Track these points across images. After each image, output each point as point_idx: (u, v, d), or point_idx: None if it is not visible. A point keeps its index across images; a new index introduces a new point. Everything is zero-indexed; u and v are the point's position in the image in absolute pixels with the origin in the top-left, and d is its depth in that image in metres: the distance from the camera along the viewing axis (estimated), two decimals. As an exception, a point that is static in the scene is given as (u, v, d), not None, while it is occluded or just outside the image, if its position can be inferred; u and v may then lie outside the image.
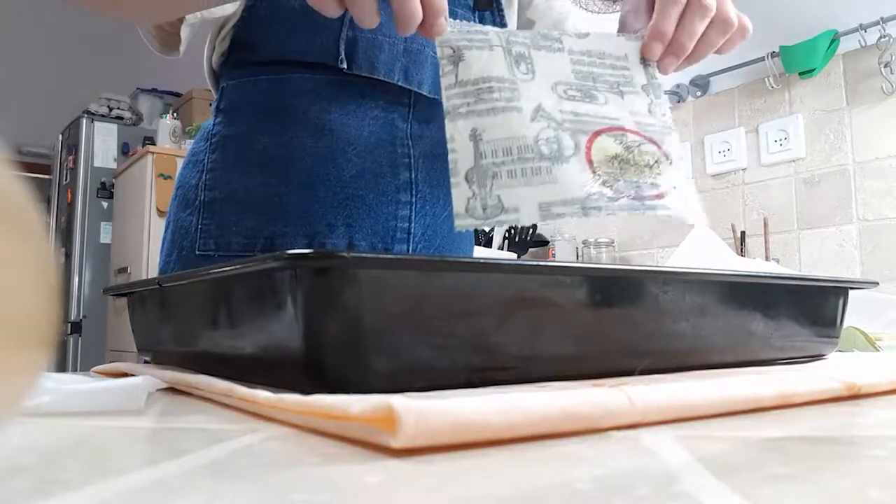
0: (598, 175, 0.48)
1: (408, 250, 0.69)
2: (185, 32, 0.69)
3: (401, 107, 0.69)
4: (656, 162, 0.49)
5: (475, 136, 0.48)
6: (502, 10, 0.74)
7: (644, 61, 0.53)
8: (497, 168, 0.47)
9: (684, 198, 0.50)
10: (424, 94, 0.69)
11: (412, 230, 0.69)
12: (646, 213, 0.47)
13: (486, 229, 0.54)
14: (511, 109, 0.48)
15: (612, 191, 0.47)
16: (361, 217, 0.67)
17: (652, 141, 0.50)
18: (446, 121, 0.49)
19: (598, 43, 0.53)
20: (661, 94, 0.53)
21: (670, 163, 0.50)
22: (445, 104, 0.49)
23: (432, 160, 0.71)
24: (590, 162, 0.48)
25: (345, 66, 0.66)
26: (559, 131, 0.48)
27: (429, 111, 0.70)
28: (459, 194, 0.47)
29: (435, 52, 0.68)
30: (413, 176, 0.69)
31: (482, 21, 0.73)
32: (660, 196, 0.48)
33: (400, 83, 0.67)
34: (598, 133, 0.49)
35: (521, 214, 0.46)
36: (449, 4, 0.70)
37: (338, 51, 0.66)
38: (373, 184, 0.67)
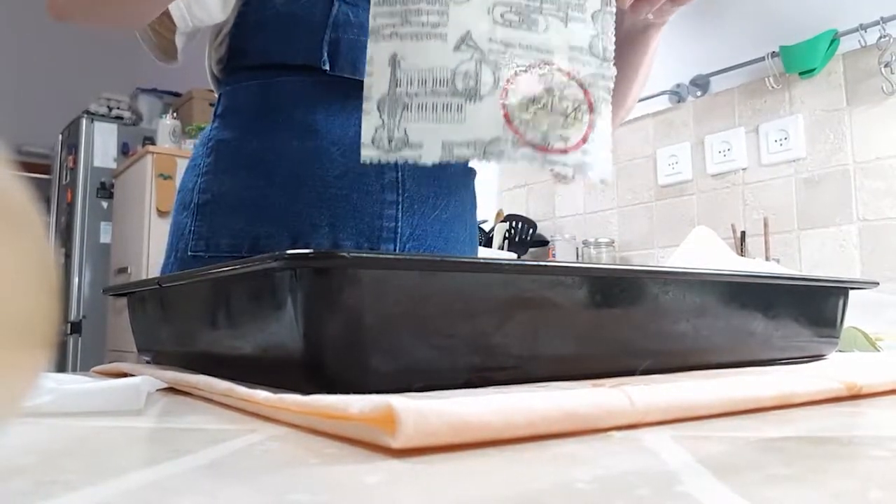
0: (510, 119, 0.46)
1: (395, 250, 0.69)
2: (179, 41, 0.71)
3: None
4: (575, 110, 0.47)
5: (394, 62, 0.47)
6: None
7: None
8: (409, 99, 0.46)
9: (595, 151, 0.48)
10: None
11: (399, 230, 0.70)
12: (544, 165, 0.46)
13: (399, 166, 0.52)
14: (435, 37, 0.47)
15: (518, 137, 0.46)
16: (346, 217, 0.67)
17: (580, 84, 0.48)
18: (369, 41, 0.47)
19: None
20: (609, 28, 0.50)
21: (593, 111, 0.48)
22: (371, 22, 0.47)
23: None
24: (503, 105, 0.46)
25: (328, 67, 0.67)
26: (482, 63, 0.47)
27: None
28: (369, 123, 0.46)
29: None
30: (399, 175, 0.69)
31: None
32: (564, 151, 0.47)
33: None
34: (524, 70, 0.47)
35: (424, 151, 0.46)
36: None
37: (321, 53, 0.67)
38: (357, 183, 0.68)
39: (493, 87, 0.47)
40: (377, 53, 0.47)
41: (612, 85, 0.49)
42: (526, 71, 0.47)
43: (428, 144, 0.46)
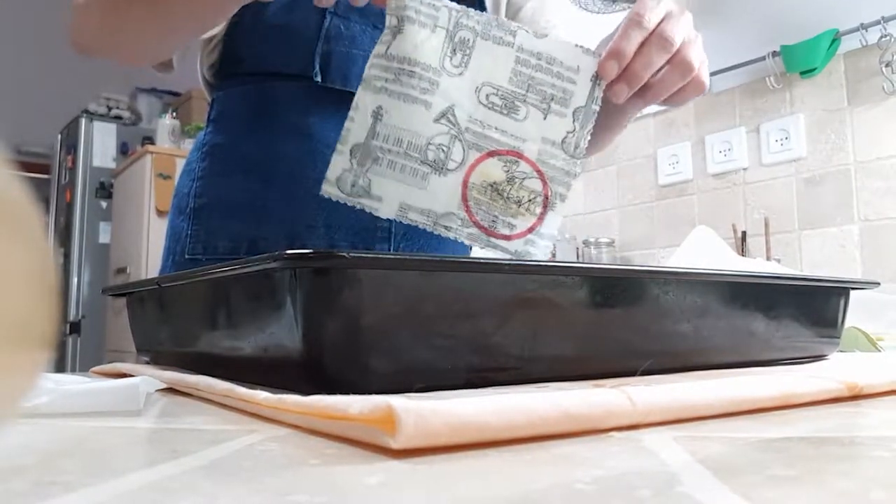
0: (466, 198, 0.49)
1: (389, 249, 0.70)
2: (175, 55, 0.71)
3: None
4: (530, 202, 0.50)
5: (377, 114, 0.49)
6: (484, 5, 0.75)
7: (595, 81, 0.51)
8: (382, 154, 0.48)
9: (539, 242, 0.50)
10: None
11: (393, 229, 0.70)
12: (485, 247, 0.50)
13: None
14: (421, 102, 0.49)
15: (469, 217, 0.49)
16: (341, 217, 0.68)
17: (542, 178, 0.50)
18: (359, 87, 0.49)
19: (554, 48, 0.51)
20: (588, 125, 0.51)
21: (547, 206, 0.50)
22: (367, 71, 0.49)
23: None
24: (465, 184, 0.49)
25: (319, 79, 0.68)
26: (456, 140, 0.49)
27: None
28: (337, 162, 0.49)
29: None
30: None
31: None
32: (507, 238, 0.50)
33: None
34: (492, 153, 0.49)
35: (382, 206, 0.48)
36: None
37: (314, 65, 0.68)
38: None
39: (459, 165, 0.49)
40: (363, 101, 0.49)
41: (573, 182, 0.51)
42: (494, 156, 0.50)
43: (387, 200, 0.49)
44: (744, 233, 2.05)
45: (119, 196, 3.13)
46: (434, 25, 0.49)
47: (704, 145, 2.19)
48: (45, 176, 3.70)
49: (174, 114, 3.21)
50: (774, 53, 1.98)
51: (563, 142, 0.50)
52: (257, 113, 0.70)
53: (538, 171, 0.50)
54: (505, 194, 0.49)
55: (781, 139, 2.00)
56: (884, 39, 1.79)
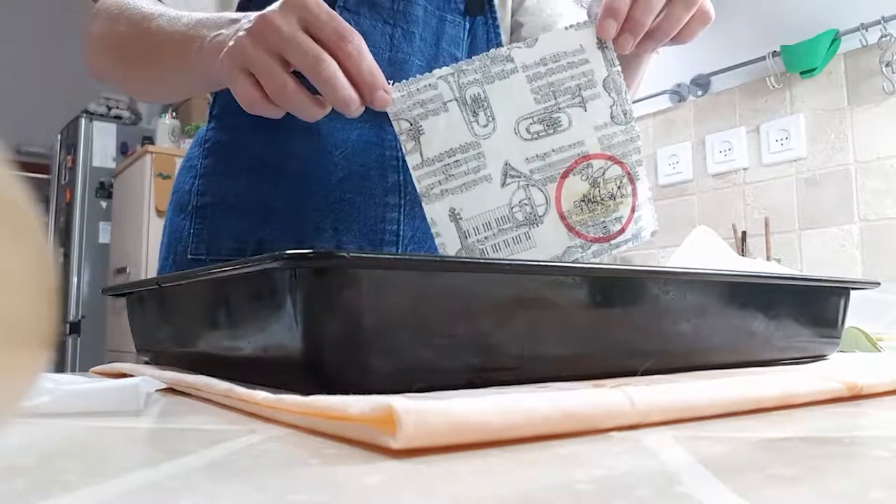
0: (571, 227, 0.50)
1: (397, 252, 0.69)
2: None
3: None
4: (619, 187, 0.51)
5: (455, 216, 0.50)
6: (495, 13, 0.74)
7: (601, 45, 0.51)
8: (482, 244, 0.49)
9: (644, 213, 0.52)
10: None
11: (401, 232, 0.69)
12: (612, 252, 0.51)
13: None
14: (481, 180, 0.50)
15: (584, 239, 0.50)
16: (349, 220, 0.67)
17: (615, 160, 0.50)
18: (423, 204, 0.50)
19: (549, 45, 0.51)
20: (622, 88, 0.51)
21: (633, 180, 0.51)
22: (418, 186, 0.50)
23: None
24: (561, 216, 0.50)
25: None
26: (529, 187, 0.50)
27: None
28: None
29: (419, 63, 0.69)
30: (401, 178, 0.69)
31: (473, 27, 0.73)
32: (622, 230, 0.51)
33: None
34: (565, 175, 0.50)
35: None
36: (440, 11, 0.70)
37: None
38: (360, 187, 0.68)
39: (547, 204, 0.50)
40: (436, 214, 0.50)
41: (640, 144, 0.51)
42: (567, 176, 0.50)
43: None
44: (744, 233, 2.05)
45: (119, 196, 3.13)
46: (443, 104, 0.50)
47: (704, 145, 2.19)
48: (45, 176, 3.70)
49: (174, 113, 3.21)
50: (774, 53, 1.98)
51: (612, 118, 0.51)
52: None
53: (609, 158, 0.50)
54: (598, 199, 0.50)
55: (781, 139, 2.00)
56: (884, 39, 1.79)
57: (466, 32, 0.73)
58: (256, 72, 0.46)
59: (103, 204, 3.25)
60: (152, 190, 2.76)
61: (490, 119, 0.50)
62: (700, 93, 2.23)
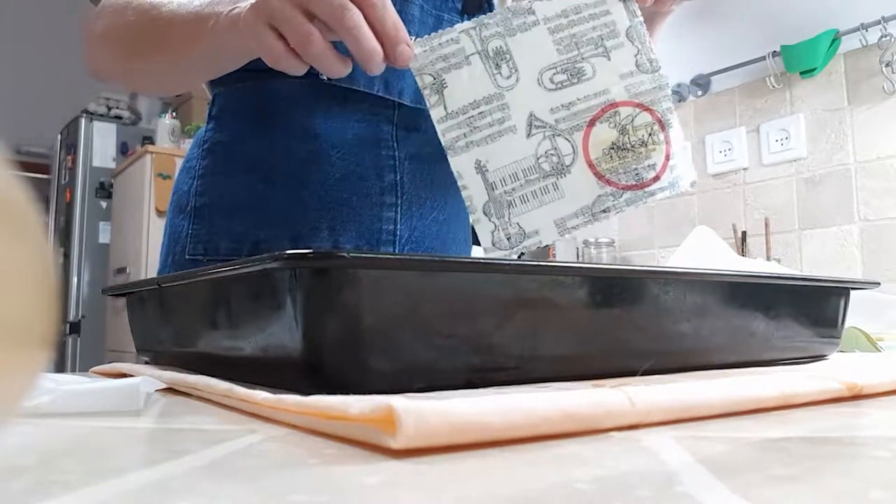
0: (600, 175, 0.49)
1: (394, 252, 0.69)
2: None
3: (385, 109, 0.69)
4: (650, 134, 0.50)
5: (481, 168, 0.49)
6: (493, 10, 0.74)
7: None
8: (510, 196, 0.49)
9: (679, 161, 0.51)
10: (406, 103, 0.68)
11: (398, 232, 0.69)
12: (646, 200, 0.50)
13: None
14: (506, 131, 0.49)
15: (615, 187, 0.49)
16: (346, 220, 0.67)
17: (643, 107, 0.50)
18: (449, 156, 0.50)
19: None
20: (645, 38, 0.51)
21: (665, 127, 0.50)
22: (442, 139, 0.50)
23: (418, 161, 0.70)
24: (590, 164, 0.49)
25: (325, 77, 0.67)
26: (555, 137, 0.49)
27: (413, 119, 0.69)
28: (483, 229, 0.49)
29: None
30: (398, 177, 0.69)
31: None
32: (657, 177, 0.50)
33: (380, 93, 0.67)
34: (591, 123, 0.50)
35: (542, 235, 0.49)
36: (437, 10, 0.70)
37: None
38: (357, 186, 0.68)
39: (574, 154, 0.49)
40: (461, 167, 0.50)
41: (669, 92, 0.51)
42: (594, 124, 0.50)
43: (543, 229, 0.49)
44: (744, 233, 2.05)
45: (119, 196, 3.13)
46: (465, 57, 0.49)
47: (704, 145, 2.19)
48: (45, 176, 3.70)
49: (174, 114, 3.21)
50: (774, 53, 1.98)
51: (637, 66, 0.51)
52: (260, 111, 0.69)
53: (638, 105, 0.50)
54: (628, 146, 0.50)
55: (781, 139, 2.00)
56: (884, 39, 1.79)
57: None
58: (280, 23, 0.46)
59: (103, 204, 3.25)
60: (152, 190, 2.75)
61: (513, 71, 0.50)
62: (700, 93, 2.23)
